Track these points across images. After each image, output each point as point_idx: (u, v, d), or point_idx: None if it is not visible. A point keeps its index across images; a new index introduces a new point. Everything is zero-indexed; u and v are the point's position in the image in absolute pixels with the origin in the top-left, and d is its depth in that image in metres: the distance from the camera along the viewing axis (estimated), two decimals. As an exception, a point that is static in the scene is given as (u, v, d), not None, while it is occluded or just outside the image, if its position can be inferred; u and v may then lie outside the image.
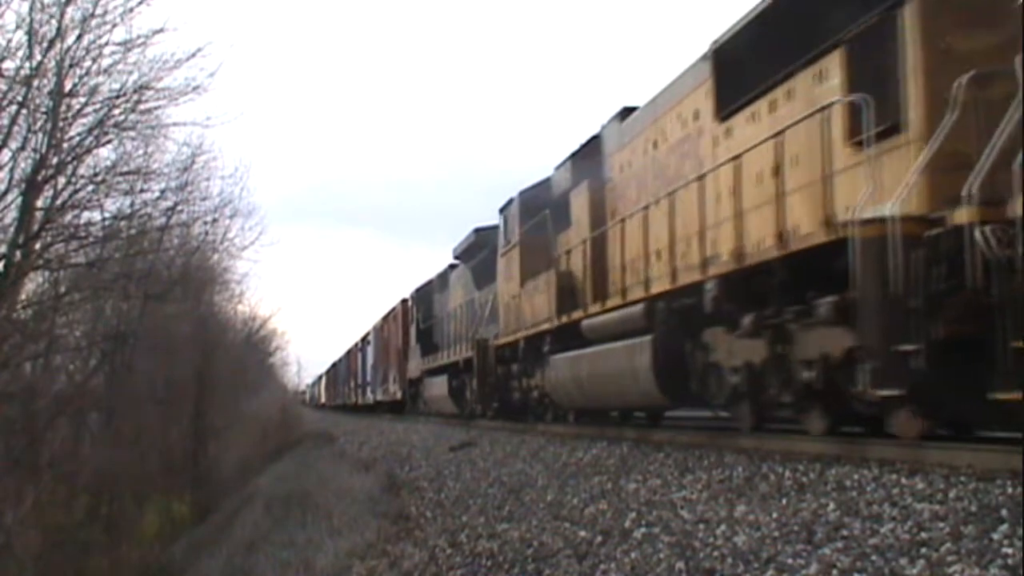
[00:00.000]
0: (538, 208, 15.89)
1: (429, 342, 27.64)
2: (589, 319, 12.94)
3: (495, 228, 19.85)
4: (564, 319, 14.03)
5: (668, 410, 13.32)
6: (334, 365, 69.67)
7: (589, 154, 14.49)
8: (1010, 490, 5.21)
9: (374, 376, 41.67)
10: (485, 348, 19.03)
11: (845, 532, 5.21)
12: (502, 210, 18.54)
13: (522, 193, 17.15)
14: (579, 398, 13.82)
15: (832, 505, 5.79)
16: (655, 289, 11.04)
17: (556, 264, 14.77)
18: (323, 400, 78.74)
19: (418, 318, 29.88)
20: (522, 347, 16.56)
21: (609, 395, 12.55)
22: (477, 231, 22.38)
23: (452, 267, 26.39)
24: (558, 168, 16.30)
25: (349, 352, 56.09)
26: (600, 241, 13.25)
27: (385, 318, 38.72)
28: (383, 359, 38.52)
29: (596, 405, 13.85)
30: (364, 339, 46.60)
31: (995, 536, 4.53)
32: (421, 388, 28.74)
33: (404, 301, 34.10)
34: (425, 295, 30.16)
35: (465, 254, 23.83)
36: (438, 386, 24.60)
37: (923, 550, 4.59)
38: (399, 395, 33.74)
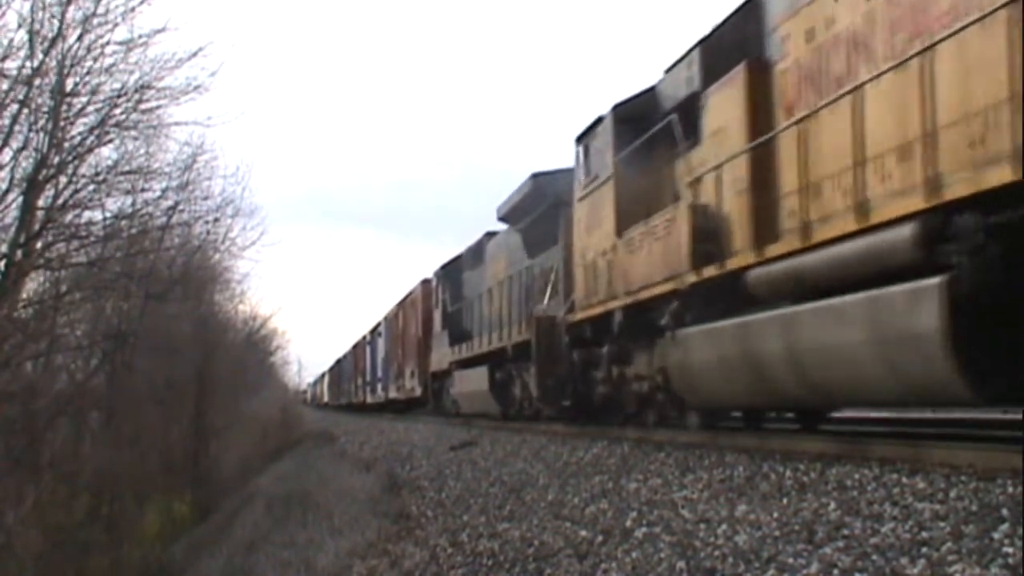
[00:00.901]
0: (641, 126, 11.59)
1: (459, 328, 23.20)
2: (764, 267, 8.51)
3: (559, 173, 15.78)
4: (708, 272, 9.52)
5: (969, 406, 8.60)
6: (338, 362, 66.24)
7: (736, 29, 9.78)
8: (1011, 489, 5.21)
9: (386, 371, 37.73)
10: (551, 328, 14.87)
11: (846, 531, 5.21)
12: (580, 138, 13.70)
13: (616, 108, 12.38)
14: (740, 390, 9.18)
15: (833, 504, 5.79)
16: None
17: (688, 194, 10.06)
18: (326, 399, 76.38)
19: (445, 300, 25.34)
20: (618, 321, 12.08)
21: (823, 385, 7.83)
22: (535, 176, 16.84)
23: (489, 236, 21.81)
24: (671, 69, 11.31)
25: (356, 346, 52.19)
26: (766, 154, 8.76)
27: (401, 304, 34.39)
28: (398, 351, 34.34)
29: (780, 400, 9.32)
30: (374, 331, 42.42)
31: (996, 535, 4.53)
32: (449, 383, 24.46)
33: (426, 282, 29.44)
34: (452, 273, 25.38)
35: (516, 211, 18.14)
36: (474, 380, 20.32)
37: (924, 549, 4.60)
38: (418, 391, 29.49)
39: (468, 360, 21.25)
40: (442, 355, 24.71)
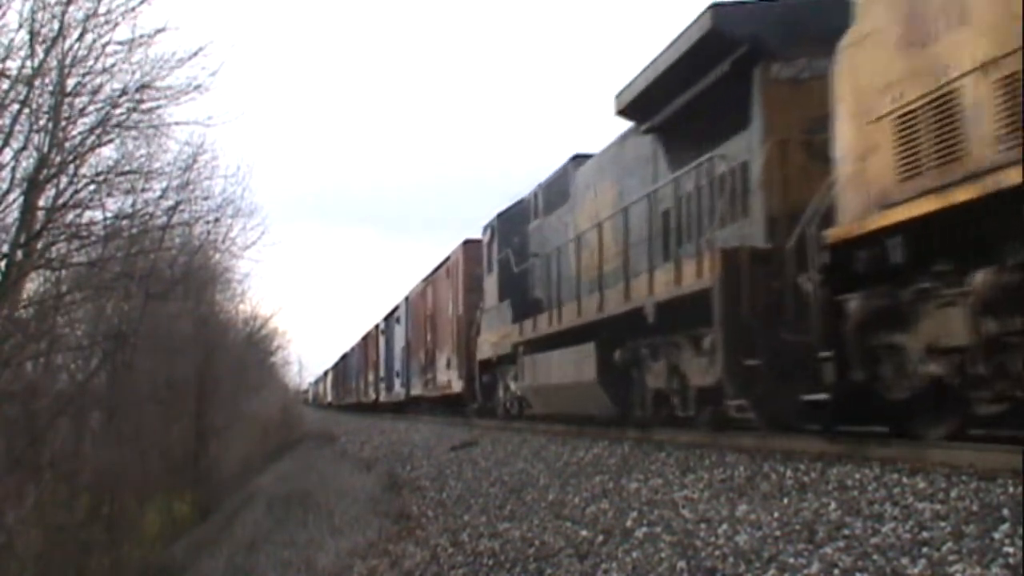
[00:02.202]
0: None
1: (527, 298, 16.80)
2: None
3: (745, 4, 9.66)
4: None
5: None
6: (343, 358, 60.75)
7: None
8: (1011, 489, 5.20)
9: (407, 363, 30.96)
10: (766, 265, 8.56)
11: (847, 531, 5.21)
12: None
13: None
14: None
15: (834, 504, 5.79)
16: None
17: None
18: (329, 399, 72.60)
19: (504, 261, 18.39)
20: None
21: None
22: (716, 5, 9.39)
23: (578, 160, 15.38)
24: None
25: (366, 338, 45.87)
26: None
27: (431, 278, 27.01)
28: (425, 337, 27.21)
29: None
30: (390, 316, 36.51)
31: (996, 535, 4.53)
32: (509, 374, 17.92)
33: (470, 243, 22.21)
34: (514, 224, 18.52)
35: (669, 83, 10.61)
36: (566, 366, 13.56)
37: (924, 549, 4.60)
38: (458, 386, 22.43)
39: (549, 338, 14.48)
40: (501, 336, 17.64)
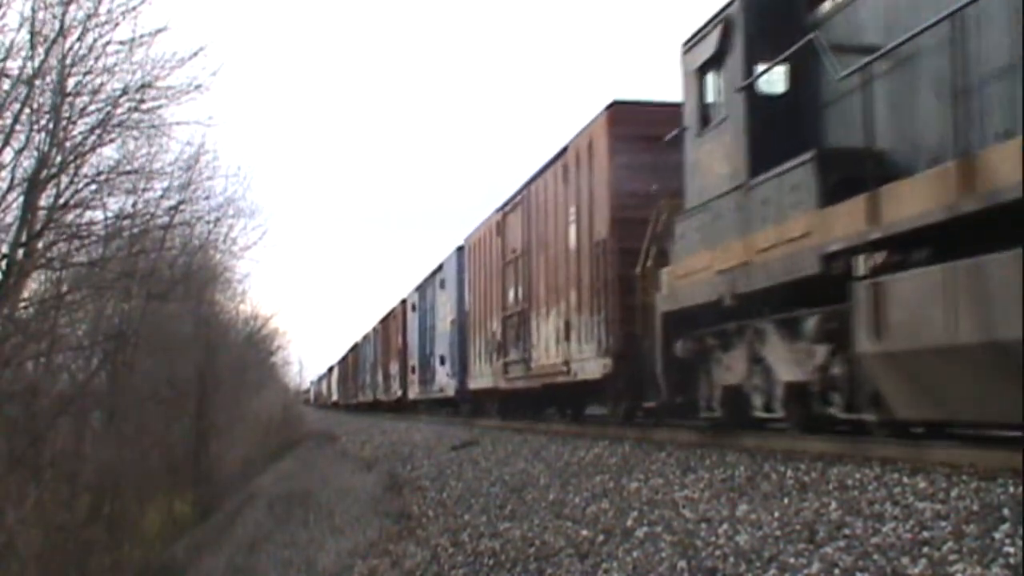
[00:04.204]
0: None
1: (842, 151, 7.85)
2: None
3: None
4: None
5: None
6: (353, 349, 53.45)
7: None
8: (1012, 489, 5.21)
9: (460, 343, 22.04)
10: None
11: (847, 531, 5.21)
12: None
13: None
14: None
15: (834, 504, 5.80)
16: None
17: None
18: (335, 398, 67.31)
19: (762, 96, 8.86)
20: None
21: None
22: None
23: None
24: None
25: (385, 320, 37.81)
26: None
27: (519, 200, 17.10)
28: (504, 296, 17.93)
29: None
30: (427, 284, 27.60)
31: (997, 535, 4.53)
32: (741, 349, 9.09)
33: (621, 107, 12.86)
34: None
35: None
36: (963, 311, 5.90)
37: (925, 549, 4.60)
38: (596, 369, 12.79)
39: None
40: (757, 247, 8.40)
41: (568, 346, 13.95)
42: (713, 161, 9.43)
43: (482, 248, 20.24)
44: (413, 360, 29.83)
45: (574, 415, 16.17)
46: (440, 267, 25.48)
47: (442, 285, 25.00)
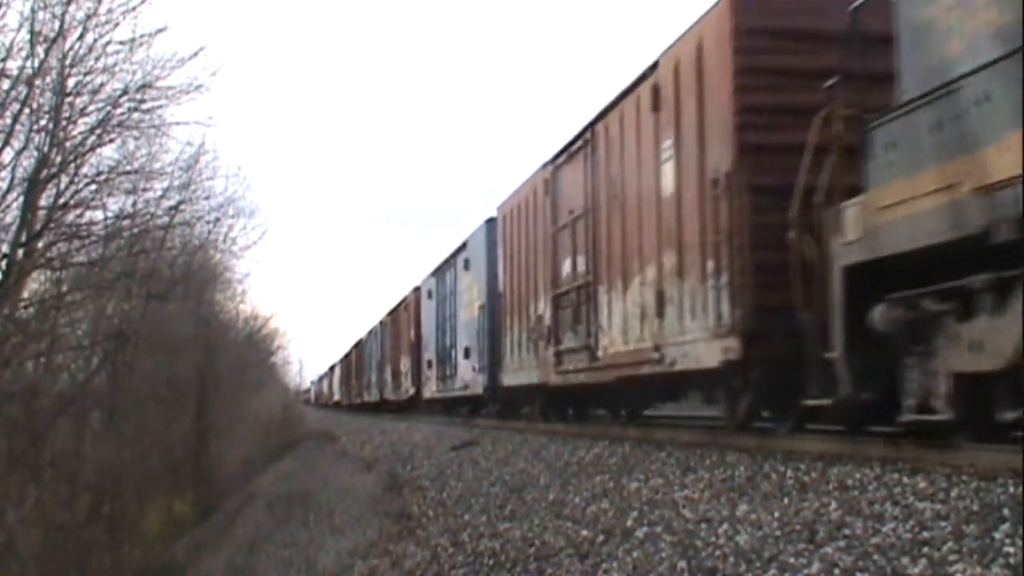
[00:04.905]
0: None
1: None
2: None
3: None
4: None
5: None
6: (357, 345, 50.19)
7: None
8: (1012, 489, 5.21)
9: (483, 338, 19.35)
10: None
11: (847, 531, 5.21)
12: None
13: None
14: None
15: (834, 504, 5.80)
16: None
17: None
18: (336, 398, 64.92)
19: None
20: None
21: None
22: None
23: None
24: None
25: (395, 312, 34.51)
26: None
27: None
28: (559, 267, 14.28)
29: None
30: (447, 266, 23.98)
31: (997, 535, 4.53)
32: None
33: None
34: None
35: None
36: None
37: (925, 549, 4.60)
38: (717, 353, 9.01)
39: None
40: None
41: (661, 325, 10.27)
42: (965, 17, 6.12)
43: (522, 215, 16.19)
44: (429, 354, 26.11)
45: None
46: (464, 245, 21.71)
47: (466, 266, 21.32)
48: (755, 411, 9.41)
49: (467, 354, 20.88)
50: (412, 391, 29.31)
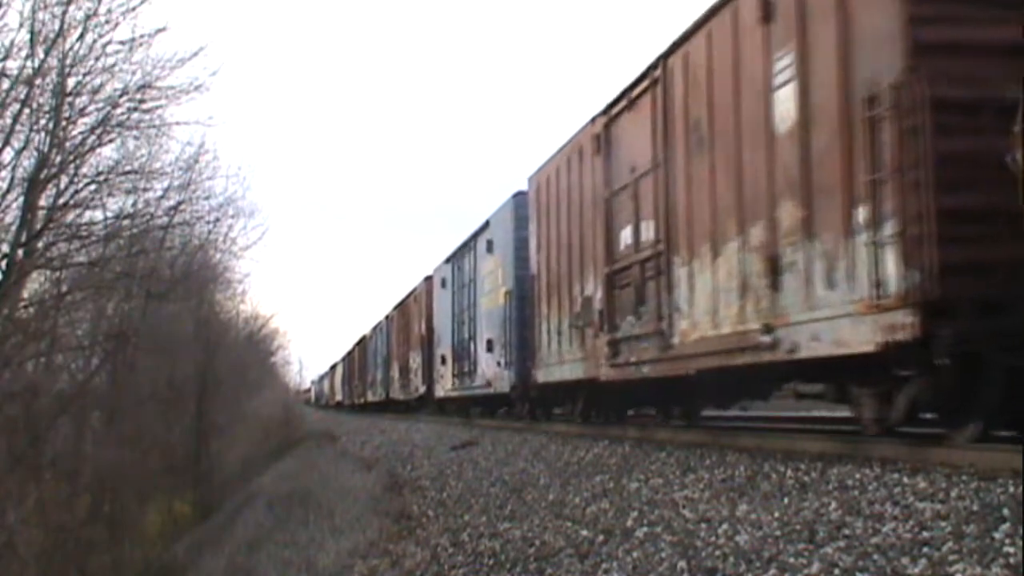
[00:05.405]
0: None
1: None
2: None
3: None
4: None
5: None
6: (360, 342, 47.76)
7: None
8: (1011, 489, 5.20)
9: (510, 329, 16.96)
10: None
11: (847, 531, 5.21)
12: None
13: None
14: None
15: (834, 504, 5.79)
16: None
17: None
18: (338, 397, 62.35)
19: None
20: None
21: None
22: None
23: None
24: None
25: (402, 306, 31.75)
26: None
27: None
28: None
29: None
30: (460, 257, 21.63)
31: (997, 535, 4.53)
32: None
33: None
34: None
35: None
36: None
37: (925, 549, 4.60)
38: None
39: None
40: None
41: (774, 300, 7.92)
42: None
43: (563, 182, 13.82)
44: (443, 348, 23.42)
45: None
46: (486, 225, 19.17)
47: (489, 248, 18.74)
48: (916, 411, 7.31)
49: (490, 347, 18.52)
50: (422, 390, 26.94)
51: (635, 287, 10.93)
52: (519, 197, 16.59)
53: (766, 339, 7.98)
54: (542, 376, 14.64)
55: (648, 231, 10.63)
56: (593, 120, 12.31)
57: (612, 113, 11.72)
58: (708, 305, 9.12)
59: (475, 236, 20.19)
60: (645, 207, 10.69)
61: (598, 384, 12.34)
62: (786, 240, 7.77)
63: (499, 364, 17.85)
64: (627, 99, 11.21)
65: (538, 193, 14.97)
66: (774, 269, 7.93)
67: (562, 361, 13.71)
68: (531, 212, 15.38)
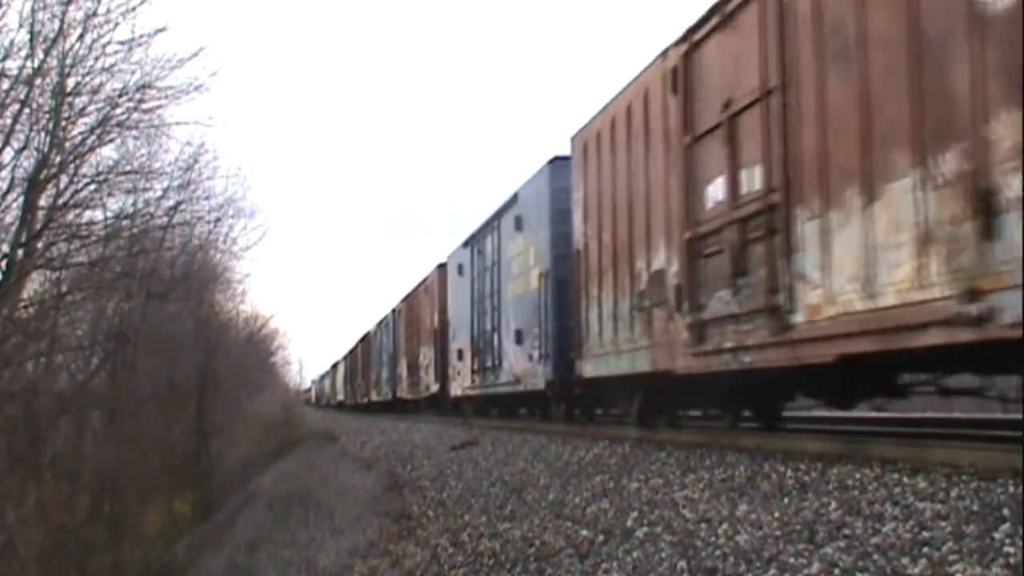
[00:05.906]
0: None
1: None
2: None
3: None
4: None
5: None
6: (364, 339, 45.27)
7: None
8: (1012, 489, 5.20)
9: (546, 316, 14.67)
10: None
11: (847, 531, 5.21)
12: None
13: None
14: None
15: (834, 504, 5.79)
16: None
17: None
18: (340, 397, 60.91)
19: None
20: None
21: None
22: None
23: None
24: None
25: (410, 299, 29.48)
26: None
27: None
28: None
29: None
30: (480, 238, 19.18)
31: (997, 535, 4.53)
32: None
33: None
34: None
35: None
36: None
37: (925, 549, 4.60)
38: None
39: None
40: None
41: (986, 253, 5.53)
42: None
43: (621, 135, 11.29)
44: (459, 342, 20.97)
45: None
46: (514, 199, 16.73)
47: (518, 225, 16.35)
48: None
49: (519, 339, 16.12)
50: (435, 388, 24.39)
51: (731, 253, 8.62)
52: (556, 163, 14.41)
53: (970, 309, 5.65)
54: (590, 370, 12.24)
55: (753, 180, 8.34)
56: (665, 53, 9.94)
57: (695, 39, 9.32)
58: (856, 270, 6.77)
59: (499, 214, 17.70)
60: (748, 150, 8.41)
61: (670, 378, 9.94)
62: (1007, 166, 5.42)
63: (531, 358, 15.51)
64: (720, 15, 8.82)
65: (585, 154, 12.52)
66: (987, 208, 5.58)
67: (619, 351, 11.25)
68: (575, 178, 12.94)
